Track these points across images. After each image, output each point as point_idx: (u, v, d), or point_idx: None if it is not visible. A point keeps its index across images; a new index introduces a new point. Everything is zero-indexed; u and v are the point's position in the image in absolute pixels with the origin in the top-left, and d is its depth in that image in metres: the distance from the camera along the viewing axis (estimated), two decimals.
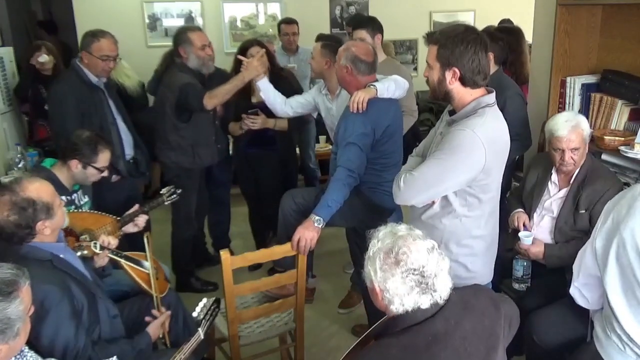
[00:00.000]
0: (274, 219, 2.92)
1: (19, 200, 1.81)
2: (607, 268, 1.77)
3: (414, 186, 1.88)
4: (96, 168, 2.62)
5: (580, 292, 1.96)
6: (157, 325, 2.15)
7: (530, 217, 2.57)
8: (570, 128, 2.35)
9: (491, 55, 2.94)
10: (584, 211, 2.39)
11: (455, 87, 1.87)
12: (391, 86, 2.61)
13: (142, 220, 2.71)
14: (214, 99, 3.12)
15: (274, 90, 3.19)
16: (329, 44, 3.14)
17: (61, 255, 1.95)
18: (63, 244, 2.02)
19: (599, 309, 1.95)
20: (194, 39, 3.22)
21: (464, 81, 1.85)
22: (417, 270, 1.35)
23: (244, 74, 3.12)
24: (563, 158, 2.38)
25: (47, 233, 1.89)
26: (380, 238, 1.43)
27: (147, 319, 2.17)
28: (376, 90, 2.54)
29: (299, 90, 3.79)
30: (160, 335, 2.18)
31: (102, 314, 2.04)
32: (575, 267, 1.97)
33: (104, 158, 2.64)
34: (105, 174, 2.71)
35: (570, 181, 2.46)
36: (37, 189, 1.86)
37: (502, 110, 3.00)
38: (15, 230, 1.81)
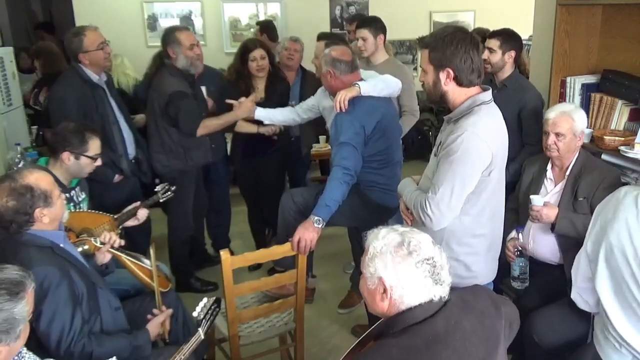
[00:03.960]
0: (273, 219, 2.92)
1: (17, 187, 1.85)
2: (598, 271, 1.78)
3: (440, 209, 1.88)
4: (89, 157, 2.58)
5: (581, 296, 1.97)
6: (156, 323, 2.15)
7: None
8: (559, 113, 2.41)
9: (512, 54, 2.99)
10: (582, 199, 2.40)
11: (450, 88, 1.90)
12: (378, 84, 2.62)
13: (142, 213, 2.74)
14: (205, 129, 3.23)
15: (272, 111, 3.19)
16: (332, 42, 3.12)
17: (61, 245, 1.98)
18: (62, 233, 2.05)
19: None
20: (183, 39, 3.20)
21: (459, 81, 1.87)
22: (429, 260, 1.37)
23: (237, 113, 3.20)
24: (547, 141, 2.41)
25: (45, 221, 1.91)
26: (383, 236, 1.41)
27: (149, 317, 2.18)
28: (359, 88, 2.54)
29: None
30: (161, 332, 2.18)
31: (104, 305, 2.04)
32: (573, 271, 1.98)
33: (94, 146, 2.59)
34: (99, 162, 2.64)
35: (566, 174, 2.48)
36: (36, 178, 1.90)
37: (521, 110, 2.98)
38: (14, 216, 1.85)
